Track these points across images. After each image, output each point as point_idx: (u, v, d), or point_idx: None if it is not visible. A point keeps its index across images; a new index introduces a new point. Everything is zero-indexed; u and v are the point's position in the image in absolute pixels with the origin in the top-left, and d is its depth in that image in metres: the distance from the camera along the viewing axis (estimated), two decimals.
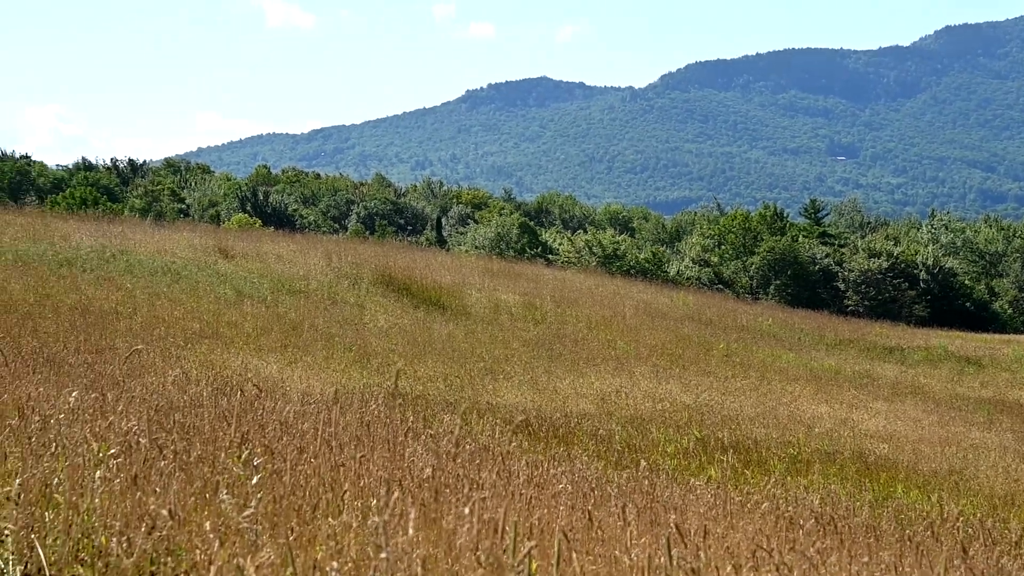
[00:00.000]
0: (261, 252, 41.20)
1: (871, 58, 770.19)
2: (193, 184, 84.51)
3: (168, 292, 30.14)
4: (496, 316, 36.39)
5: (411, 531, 4.08)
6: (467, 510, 4.29)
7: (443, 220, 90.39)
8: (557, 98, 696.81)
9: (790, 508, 10.14)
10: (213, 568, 4.40)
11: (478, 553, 4.11)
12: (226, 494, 5.38)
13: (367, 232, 77.20)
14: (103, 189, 71.72)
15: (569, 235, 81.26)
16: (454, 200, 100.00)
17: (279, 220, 73.54)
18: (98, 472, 6.22)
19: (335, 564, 4.39)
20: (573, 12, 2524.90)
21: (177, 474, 5.77)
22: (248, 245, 42.65)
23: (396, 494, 4.66)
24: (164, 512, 5.02)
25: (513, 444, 12.93)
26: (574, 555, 4.81)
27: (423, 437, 9.18)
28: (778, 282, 72.63)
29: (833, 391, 30.09)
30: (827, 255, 74.31)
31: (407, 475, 6.32)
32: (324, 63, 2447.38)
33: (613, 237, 75.79)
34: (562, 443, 15.88)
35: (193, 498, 5.47)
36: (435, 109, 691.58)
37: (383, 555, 3.90)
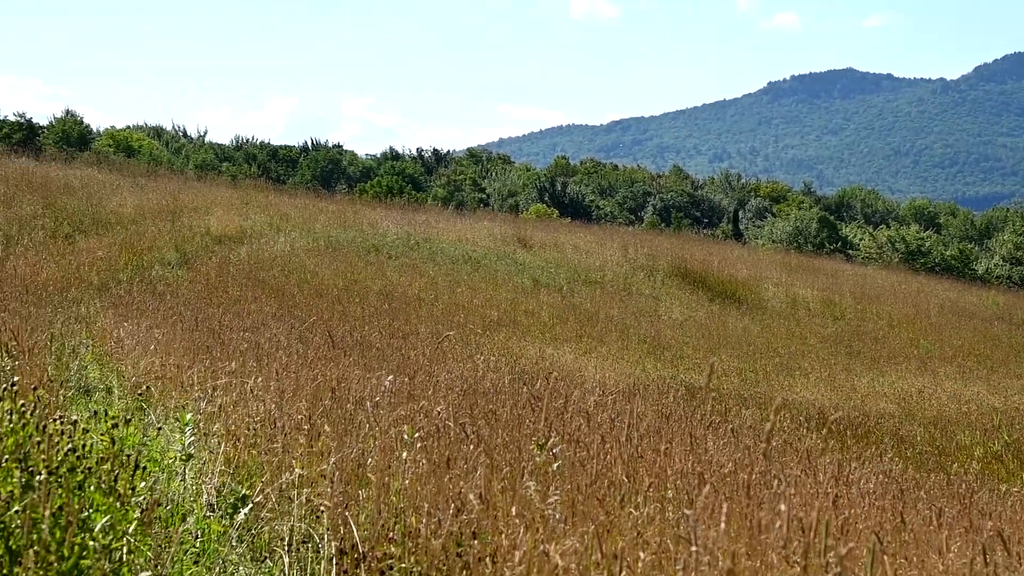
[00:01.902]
0: (558, 242, 41.66)
1: None
2: (494, 174, 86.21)
3: (468, 280, 30.86)
4: (793, 311, 35.67)
5: (723, 525, 4.04)
6: (783, 506, 4.20)
7: (740, 213, 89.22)
8: (863, 90, 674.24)
9: None
10: (518, 553, 4.47)
11: (786, 552, 4.03)
12: (530, 481, 5.45)
13: (662, 224, 77.04)
14: (408, 178, 73.99)
15: (871, 230, 78.78)
16: (752, 193, 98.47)
17: (576, 211, 74.21)
18: (404, 453, 6.42)
19: (641, 555, 4.39)
20: (882, 1, 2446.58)
21: (482, 459, 5.89)
22: (546, 235, 43.20)
23: (707, 487, 4.63)
24: (471, 496, 5.14)
25: (813, 441, 12.65)
26: (885, 557, 4.66)
27: (721, 431, 9.09)
28: None
29: None
30: None
31: (708, 468, 6.27)
32: (625, 55, 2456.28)
33: (918, 233, 72.99)
34: (860, 442, 15.44)
35: (501, 483, 5.57)
36: (735, 101, 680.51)
37: (693, 548, 3.88)
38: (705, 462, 6.73)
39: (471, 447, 6.21)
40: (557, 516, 5.06)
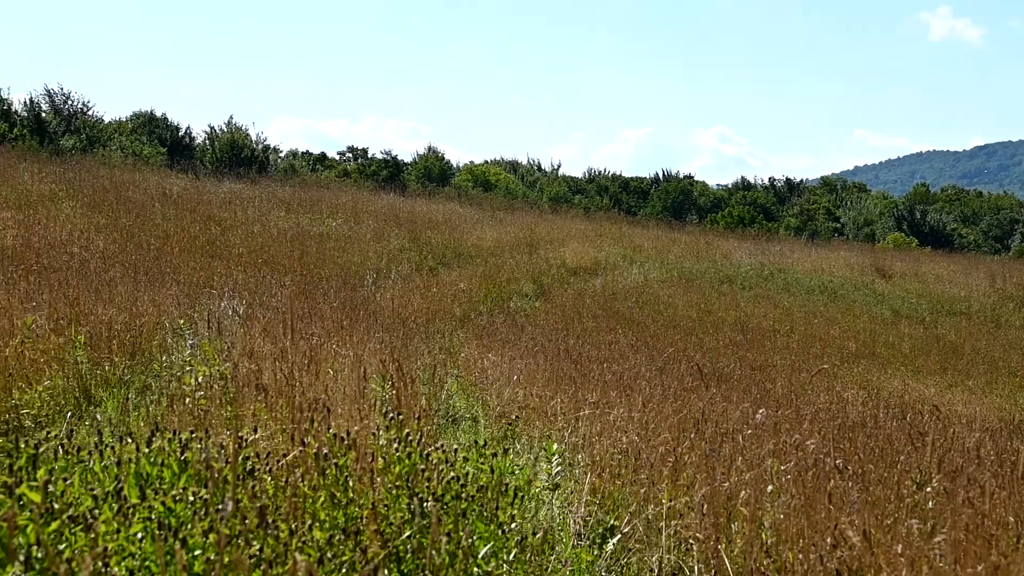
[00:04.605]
0: (919, 272, 40.25)
1: None
2: (848, 203, 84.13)
3: (824, 311, 30.19)
4: None
5: None
6: None
7: None
8: None
9: None
10: None
11: None
12: (913, 520, 5.25)
13: None
14: (759, 208, 73.15)
15: None
16: None
17: (936, 239, 71.35)
18: (769, 487, 6.31)
19: None
20: None
21: (856, 494, 5.72)
22: (905, 265, 41.85)
23: None
24: (850, 532, 4.99)
25: None
26: None
27: None
28: None
29: None
30: None
31: None
32: (991, 76, 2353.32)
33: None
34: None
35: (882, 520, 5.39)
36: None
37: None
38: None
39: (847, 482, 6.04)
40: (941, 555, 4.85)
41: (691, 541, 6.10)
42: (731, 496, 6.31)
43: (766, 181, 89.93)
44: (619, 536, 6.61)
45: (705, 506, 6.15)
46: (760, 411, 7.88)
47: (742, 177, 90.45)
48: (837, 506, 5.71)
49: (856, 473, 6.33)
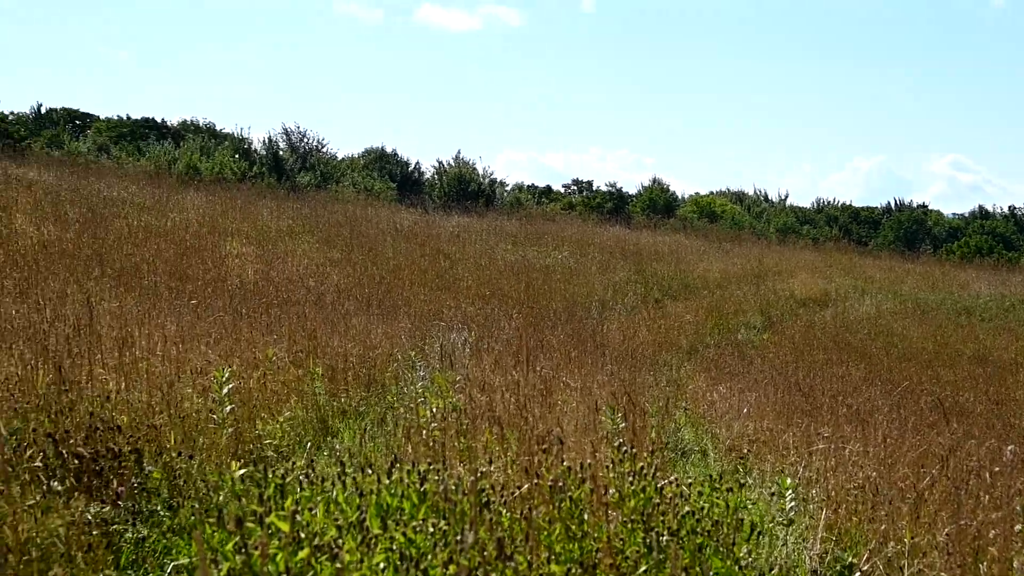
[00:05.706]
0: None
1: None
2: None
3: None
4: None
5: None
6: None
7: None
8: None
9: None
10: None
11: None
12: None
13: None
14: (999, 237, 70.56)
15: None
16: None
17: None
18: (1018, 526, 6.04)
19: None
20: None
21: None
22: None
23: None
24: None
25: None
26: None
27: None
28: None
29: None
30: None
31: None
32: None
33: None
34: None
35: None
36: None
37: None
38: None
39: None
40: None
41: None
42: (978, 535, 6.06)
43: (1005, 210, 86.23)
44: (858, 574, 6.43)
45: (950, 545, 5.92)
46: (1009, 447, 7.55)
47: (980, 206, 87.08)
48: None
49: None
